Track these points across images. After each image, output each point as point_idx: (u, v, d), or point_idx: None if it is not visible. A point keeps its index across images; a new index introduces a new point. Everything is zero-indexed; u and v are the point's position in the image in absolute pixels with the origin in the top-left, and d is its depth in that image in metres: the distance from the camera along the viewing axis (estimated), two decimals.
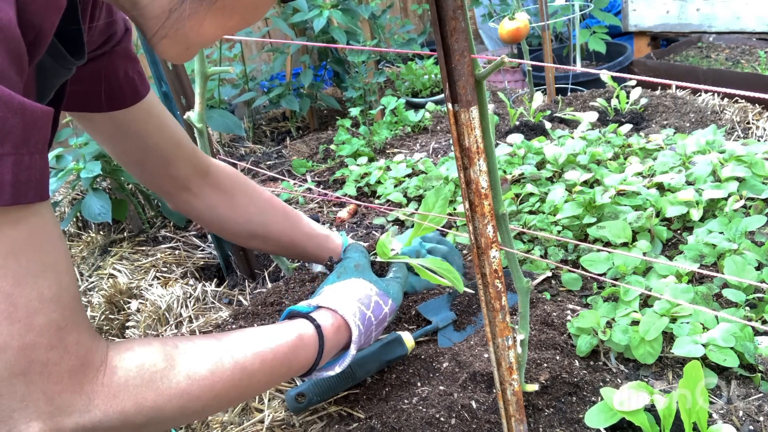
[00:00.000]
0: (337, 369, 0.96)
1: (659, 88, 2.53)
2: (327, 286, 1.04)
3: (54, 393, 0.59)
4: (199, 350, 0.75)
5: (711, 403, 1.04)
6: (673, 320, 1.17)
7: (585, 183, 1.67)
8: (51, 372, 0.59)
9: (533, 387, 0.96)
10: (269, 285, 1.60)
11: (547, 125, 2.21)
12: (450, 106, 0.66)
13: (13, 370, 0.56)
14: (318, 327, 0.92)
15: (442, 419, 1.07)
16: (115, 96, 1.01)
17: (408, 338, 1.23)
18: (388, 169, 2.10)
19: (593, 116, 2.12)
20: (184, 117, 1.40)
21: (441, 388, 1.15)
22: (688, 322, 1.15)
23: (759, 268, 1.26)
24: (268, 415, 1.15)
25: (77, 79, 0.86)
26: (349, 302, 0.99)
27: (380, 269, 1.21)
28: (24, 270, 0.57)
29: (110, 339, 1.64)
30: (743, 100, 2.30)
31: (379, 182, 2.04)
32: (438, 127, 2.55)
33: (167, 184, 1.17)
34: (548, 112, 2.38)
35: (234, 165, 2.44)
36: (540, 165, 1.88)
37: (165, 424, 0.71)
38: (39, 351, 0.58)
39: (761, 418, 1.01)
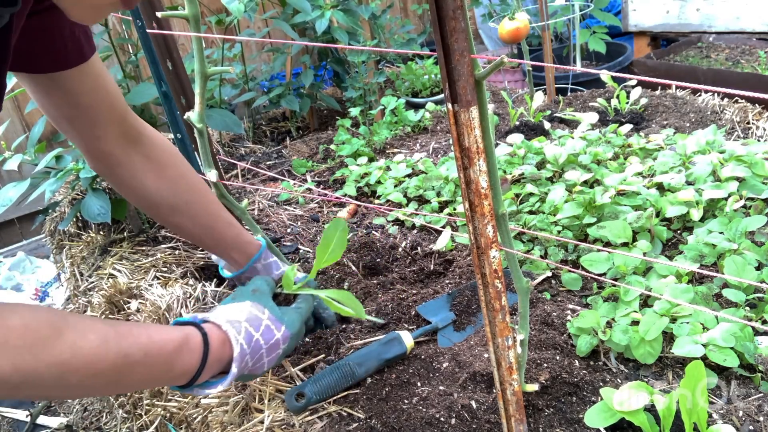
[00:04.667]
0: (220, 387, 0.93)
1: (659, 88, 2.53)
2: (220, 306, 1.03)
3: None
4: (87, 328, 0.75)
5: (711, 403, 1.04)
6: (673, 320, 1.17)
7: (585, 183, 1.67)
8: None
9: (533, 387, 0.96)
10: None
11: (547, 125, 2.21)
12: (450, 106, 0.66)
13: None
14: (204, 335, 0.90)
15: (442, 419, 1.07)
16: (58, 56, 0.96)
17: (407, 338, 1.23)
18: (388, 169, 2.10)
19: (593, 117, 2.12)
20: (184, 117, 1.40)
21: (441, 388, 1.15)
22: (688, 322, 1.15)
23: (759, 268, 1.26)
24: (268, 416, 1.15)
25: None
26: (236, 321, 0.97)
27: (286, 301, 1.16)
28: None
29: None
30: (743, 100, 2.30)
31: (379, 182, 2.04)
32: (438, 127, 2.55)
33: (92, 145, 1.13)
34: (548, 112, 2.38)
35: (234, 165, 2.45)
36: (540, 165, 1.88)
37: (43, 390, 0.71)
38: None
39: (761, 418, 1.01)
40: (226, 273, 1.35)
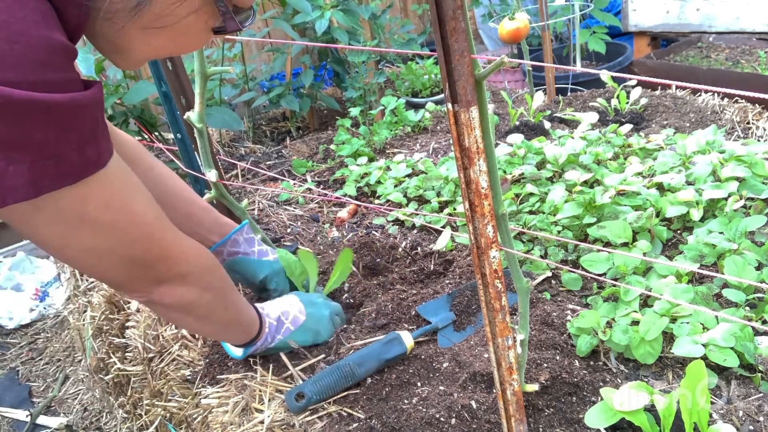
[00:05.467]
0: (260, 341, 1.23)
1: (659, 88, 2.53)
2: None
3: (167, 255, 0.92)
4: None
5: (711, 403, 1.04)
6: (673, 320, 1.17)
7: (585, 183, 1.67)
8: (164, 244, 0.91)
9: (533, 387, 0.96)
10: None
11: (547, 125, 2.21)
12: (450, 106, 0.66)
13: (144, 249, 0.88)
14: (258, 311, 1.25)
15: (442, 419, 1.07)
16: None
17: (407, 338, 1.23)
18: (388, 169, 2.10)
19: (593, 117, 2.12)
20: (184, 117, 1.40)
21: (441, 388, 1.15)
22: (688, 322, 1.15)
23: (759, 268, 1.26)
24: (268, 416, 1.15)
25: None
26: (273, 308, 1.29)
27: None
28: (131, 192, 0.84)
29: (110, 338, 1.64)
30: (743, 100, 2.30)
31: (379, 182, 2.04)
32: (438, 127, 2.54)
33: None
34: (548, 112, 2.38)
35: (234, 165, 2.45)
36: (540, 165, 1.88)
37: (212, 293, 1.03)
38: (156, 233, 0.89)
39: (761, 418, 1.01)
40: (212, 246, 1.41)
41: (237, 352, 1.25)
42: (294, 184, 2.22)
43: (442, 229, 1.67)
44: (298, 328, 1.27)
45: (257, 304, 1.26)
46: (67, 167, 0.71)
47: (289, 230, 1.90)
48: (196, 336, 1.43)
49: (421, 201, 1.91)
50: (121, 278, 0.90)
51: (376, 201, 1.98)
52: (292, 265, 1.42)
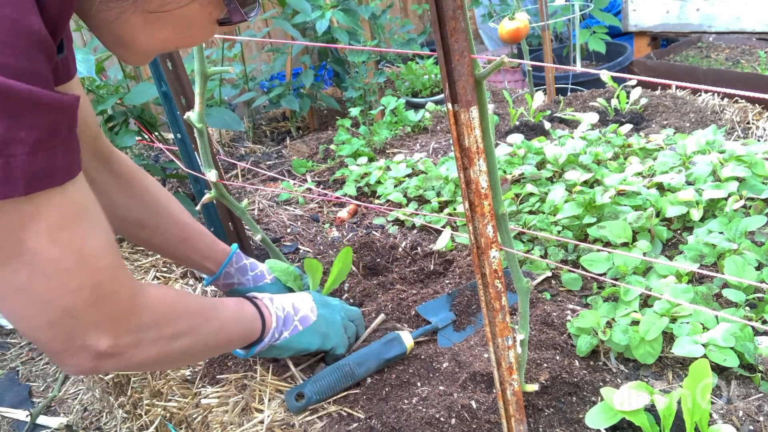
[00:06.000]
0: (268, 338, 1.15)
1: (659, 88, 2.53)
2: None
3: (117, 315, 0.77)
4: (193, 295, 1.04)
5: (711, 403, 1.04)
6: (673, 320, 1.17)
7: (585, 183, 1.67)
8: (114, 300, 0.76)
9: (533, 387, 0.96)
10: None
11: (547, 125, 2.21)
12: (450, 106, 0.66)
13: (88, 303, 0.72)
14: (253, 300, 1.17)
15: (442, 419, 1.07)
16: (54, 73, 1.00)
17: (407, 338, 1.23)
18: (388, 169, 2.10)
19: (593, 117, 2.12)
20: (184, 117, 1.40)
21: (441, 388, 1.15)
22: (688, 322, 1.15)
23: (759, 268, 1.26)
24: (268, 416, 1.15)
25: None
26: (284, 300, 1.21)
27: None
28: (86, 227, 0.71)
29: None
30: (743, 100, 2.30)
31: (379, 182, 2.04)
32: (438, 127, 2.54)
33: None
34: (548, 112, 2.38)
35: (234, 165, 2.45)
36: (540, 165, 1.88)
37: (181, 339, 0.90)
38: (105, 286, 0.73)
39: (761, 418, 1.01)
40: (207, 279, 1.37)
41: (243, 351, 1.19)
42: (294, 184, 2.22)
43: (442, 229, 1.67)
44: (307, 329, 1.19)
45: (262, 297, 1.17)
46: (15, 173, 0.61)
47: (289, 230, 1.90)
48: None
49: (421, 201, 1.91)
50: (58, 340, 0.73)
51: (376, 201, 1.98)
52: (285, 273, 1.38)
